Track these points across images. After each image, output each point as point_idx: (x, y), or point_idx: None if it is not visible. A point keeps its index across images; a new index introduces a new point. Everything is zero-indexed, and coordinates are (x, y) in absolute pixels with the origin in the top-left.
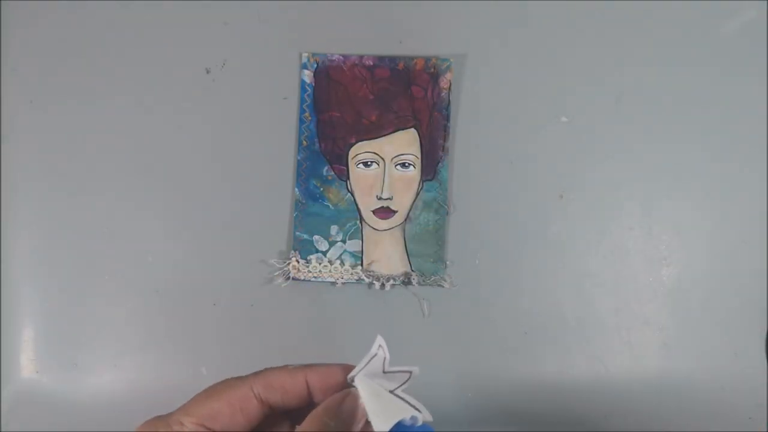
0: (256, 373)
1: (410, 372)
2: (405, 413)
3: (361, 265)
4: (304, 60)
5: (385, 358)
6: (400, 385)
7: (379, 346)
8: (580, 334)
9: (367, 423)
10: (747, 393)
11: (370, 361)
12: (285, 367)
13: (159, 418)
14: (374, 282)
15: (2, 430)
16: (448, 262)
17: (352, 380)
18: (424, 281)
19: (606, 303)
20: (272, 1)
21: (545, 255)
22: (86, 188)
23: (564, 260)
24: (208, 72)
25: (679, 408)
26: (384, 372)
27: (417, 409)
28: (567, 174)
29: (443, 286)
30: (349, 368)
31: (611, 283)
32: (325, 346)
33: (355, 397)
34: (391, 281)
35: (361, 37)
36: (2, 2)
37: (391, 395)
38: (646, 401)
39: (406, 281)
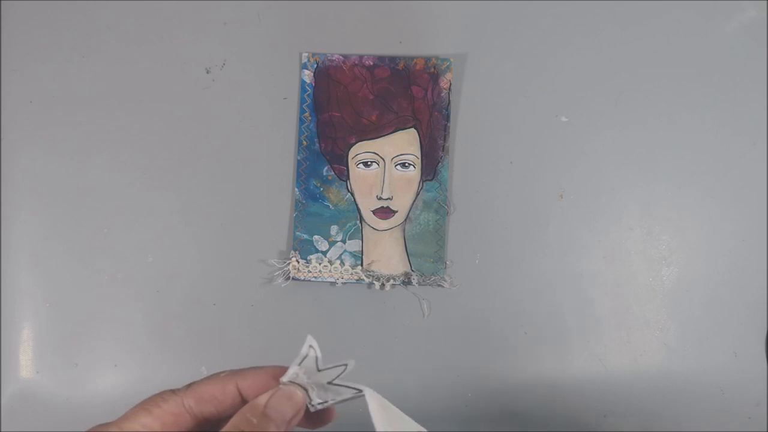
0: (188, 386)
1: (345, 365)
2: (412, 427)
3: (361, 265)
4: (304, 60)
5: (317, 357)
6: (337, 377)
7: (310, 346)
8: (580, 334)
9: (305, 419)
10: (747, 393)
11: (302, 361)
12: (216, 376)
13: (100, 426)
14: (374, 282)
15: (2, 430)
16: (448, 262)
17: (291, 382)
18: (424, 281)
19: (606, 303)
20: (272, 1)
21: (545, 255)
22: (86, 188)
23: (564, 260)
24: (208, 72)
25: (679, 408)
26: (319, 370)
27: (359, 389)
28: (567, 174)
29: (443, 286)
30: (280, 370)
31: (611, 283)
32: (325, 346)
33: (285, 395)
34: (391, 281)
35: (361, 37)
36: (2, 2)
37: (400, 411)
38: (646, 401)
39: (406, 281)
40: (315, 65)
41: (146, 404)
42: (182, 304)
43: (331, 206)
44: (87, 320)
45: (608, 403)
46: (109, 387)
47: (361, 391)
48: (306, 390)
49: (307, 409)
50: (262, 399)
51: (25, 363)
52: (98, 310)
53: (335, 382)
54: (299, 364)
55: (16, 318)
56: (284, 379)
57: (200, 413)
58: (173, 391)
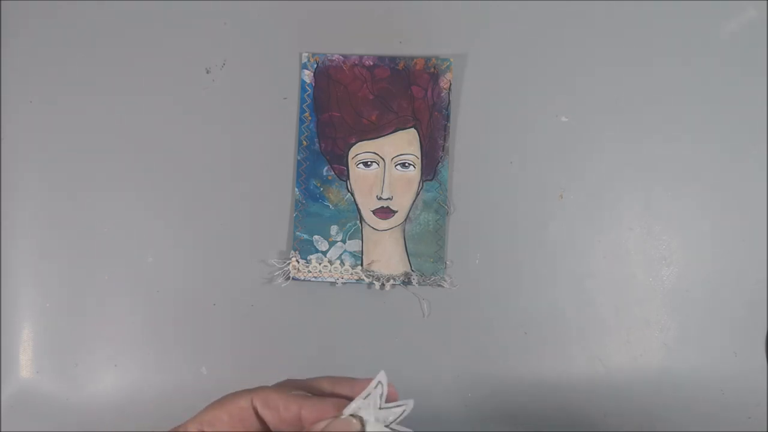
0: (262, 387)
1: (405, 406)
2: None
3: (361, 265)
4: (304, 60)
5: (382, 394)
6: (396, 419)
7: (379, 382)
8: (580, 334)
9: None
10: (747, 393)
11: (367, 396)
12: (283, 390)
13: (177, 427)
14: (374, 282)
15: (2, 430)
16: (448, 262)
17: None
18: (424, 281)
19: (606, 303)
20: (272, 1)
21: (545, 255)
22: (86, 188)
23: (564, 260)
24: (208, 72)
25: (679, 408)
26: (380, 408)
27: None
28: (567, 174)
29: (443, 286)
30: (343, 403)
31: (611, 283)
32: (325, 346)
33: (343, 423)
34: (391, 281)
35: (361, 37)
36: (2, 2)
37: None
38: (646, 401)
39: (406, 281)
40: (315, 65)
41: (220, 400)
42: (182, 304)
43: (331, 206)
44: (87, 320)
45: (608, 403)
46: (109, 387)
47: None
48: (362, 421)
49: None
50: (320, 426)
51: (25, 363)
52: (98, 310)
53: (392, 426)
54: (364, 398)
55: (16, 318)
56: (347, 411)
57: (262, 415)
58: (247, 390)
